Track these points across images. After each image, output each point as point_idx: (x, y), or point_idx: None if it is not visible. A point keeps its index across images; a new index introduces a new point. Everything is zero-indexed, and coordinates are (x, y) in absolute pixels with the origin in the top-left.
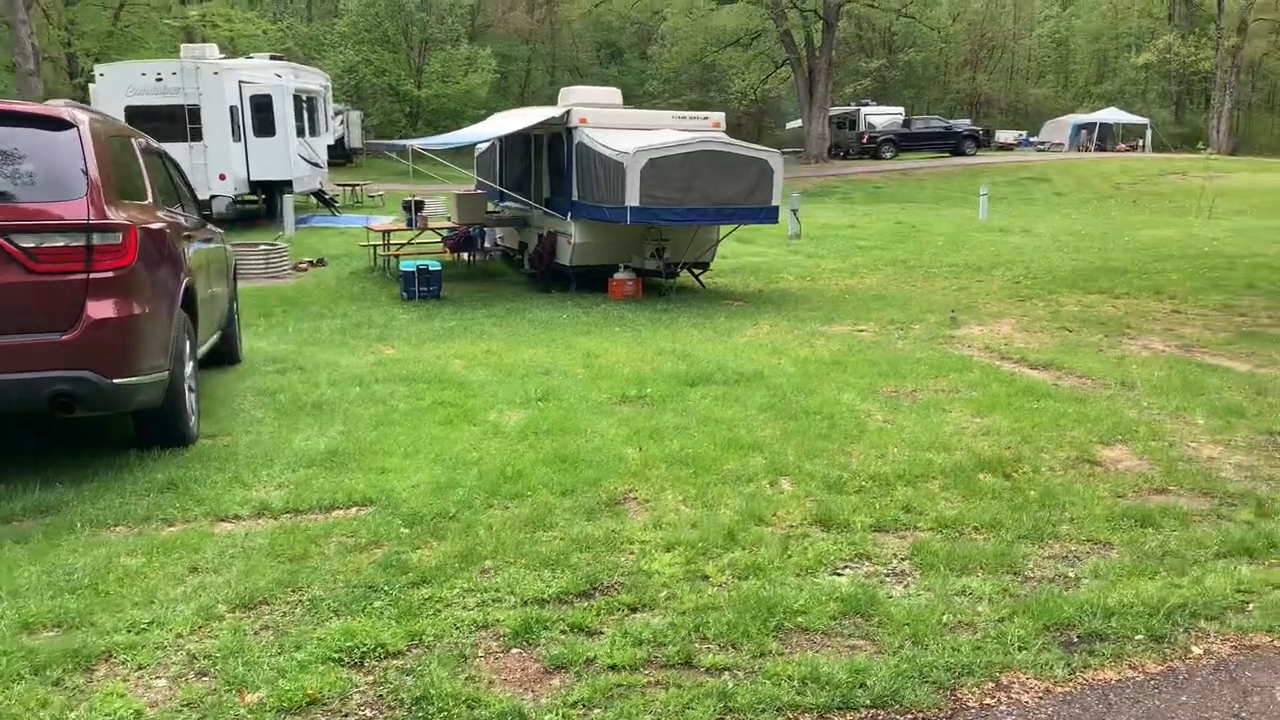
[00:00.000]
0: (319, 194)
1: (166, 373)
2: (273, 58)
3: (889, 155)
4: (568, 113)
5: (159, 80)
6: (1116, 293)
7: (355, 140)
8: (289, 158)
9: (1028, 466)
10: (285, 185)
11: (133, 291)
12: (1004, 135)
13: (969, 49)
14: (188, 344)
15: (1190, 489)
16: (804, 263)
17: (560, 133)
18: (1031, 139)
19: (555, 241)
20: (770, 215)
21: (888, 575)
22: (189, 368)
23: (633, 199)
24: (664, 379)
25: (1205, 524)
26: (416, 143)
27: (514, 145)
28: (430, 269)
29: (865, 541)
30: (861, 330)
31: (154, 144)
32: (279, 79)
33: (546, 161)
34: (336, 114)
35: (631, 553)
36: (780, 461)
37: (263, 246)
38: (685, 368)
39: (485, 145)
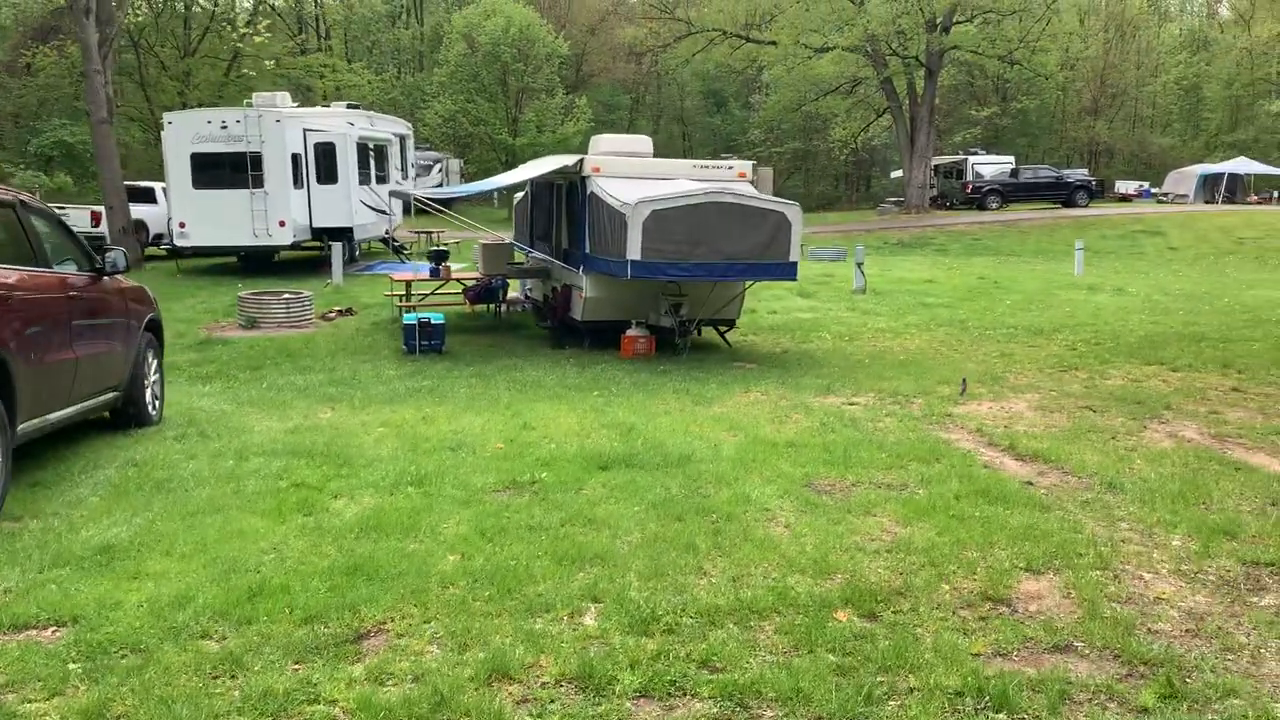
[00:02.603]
0: (386, 241)
1: None
2: (349, 106)
3: (994, 206)
4: (581, 161)
5: (224, 128)
6: (1178, 364)
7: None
8: (350, 205)
9: (908, 603)
10: (348, 232)
11: None
12: (1123, 186)
13: (1089, 96)
14: None
15: (1099, 647)
16: (853, 320)
17: (576, 182)
18: (1153, 190)
19: (569, 295)
20: (787, 271)
21: None
22: None
23: (634, 252)
24: (579, 460)
25: (1087, 706)
26: (419, 192)
27: (541, 194)
28: (433, 322)
29: (611, 714)
30: (854, 403)
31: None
32: (350, 127)
33: (565, 212)
34: (435, 163)
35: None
36: (610, 582)
37: (286, 295)
38: (616, 447)
39: (521, 194)
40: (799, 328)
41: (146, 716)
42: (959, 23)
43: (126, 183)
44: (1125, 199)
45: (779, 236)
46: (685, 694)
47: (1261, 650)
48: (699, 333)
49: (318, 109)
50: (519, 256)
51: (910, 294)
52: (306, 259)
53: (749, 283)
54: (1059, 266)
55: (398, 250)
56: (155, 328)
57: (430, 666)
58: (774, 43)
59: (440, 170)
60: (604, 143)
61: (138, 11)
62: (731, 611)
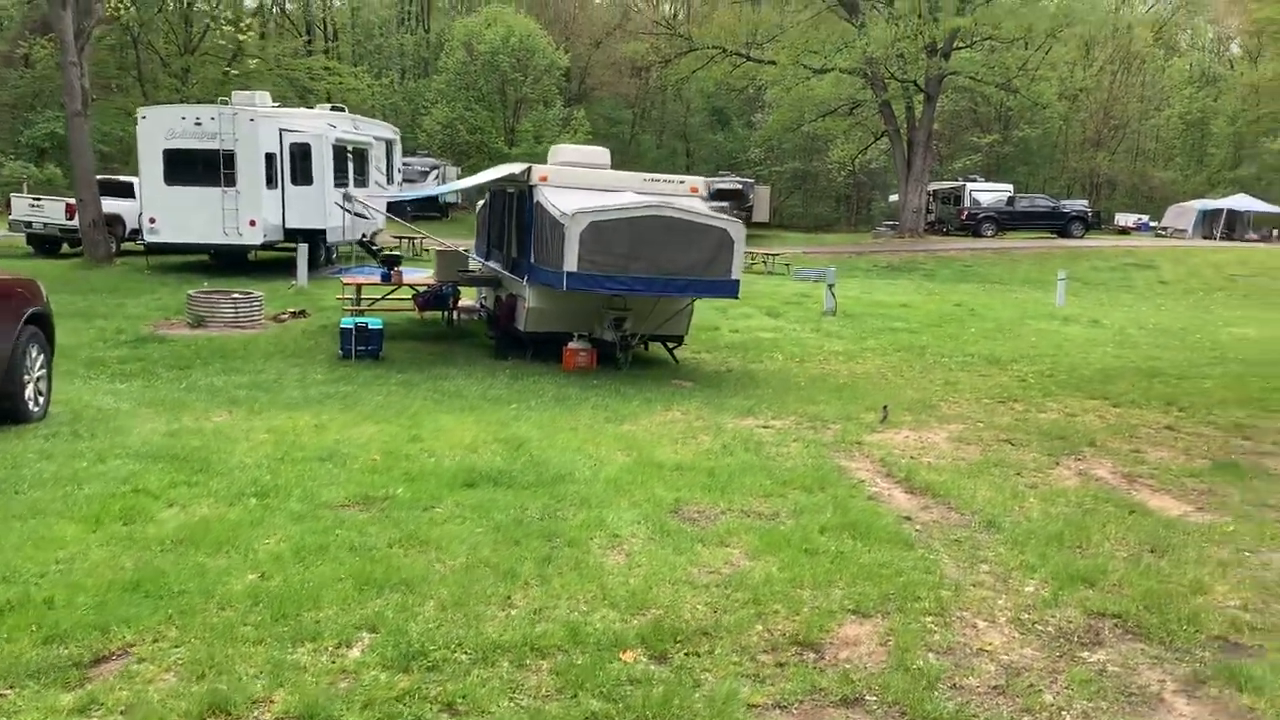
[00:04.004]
0: (365, 244)
1: None
2: (333, 108)
3: (989, 233)
4: (528, 169)
5: (198, 124)
6: (1121, 400)
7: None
8: (324, 207)
9: (709, 644)
10: (320, 234)
11: None
12: (1123, 219)
13: (1093, 128)
14: None
15: (889, 703)
16: (811, 341)
17: (525, 191)
18: (1152, 224)
19: (514, 305)
20: (729, 289)
21: None
22: None
23: (570, 263)
24: (447, 476)
25: None
26: (361, 192)
27: (496, 202)
28: (369, 327)
29: None
30: (769, 426)
31: None
32: (329, 128)
33: (515, 220)
34: (432, 169)
35: None
36: (400, 611)
37: (235, 295)
38: (496, 463)
39: (483, 201)
40: (754, 347)
41: None
42: (959, 48)
43: (106, 177)
44: (1124, 231)
45: (721, 253)
46: None
47: (1064, 713)
48: (646, 348)
49: (298, 110)
50: (474, 264)
51: (880, 317)
52: (282, 259)
53: (691, 299)
54: (1042, 296)
55: (375, 254)
56: (41, 321)
57: (150, 698)
58: (773, 62)
59: (437, 177)
60: (562, 153)
61: (125, 6)
62: (512, 648)
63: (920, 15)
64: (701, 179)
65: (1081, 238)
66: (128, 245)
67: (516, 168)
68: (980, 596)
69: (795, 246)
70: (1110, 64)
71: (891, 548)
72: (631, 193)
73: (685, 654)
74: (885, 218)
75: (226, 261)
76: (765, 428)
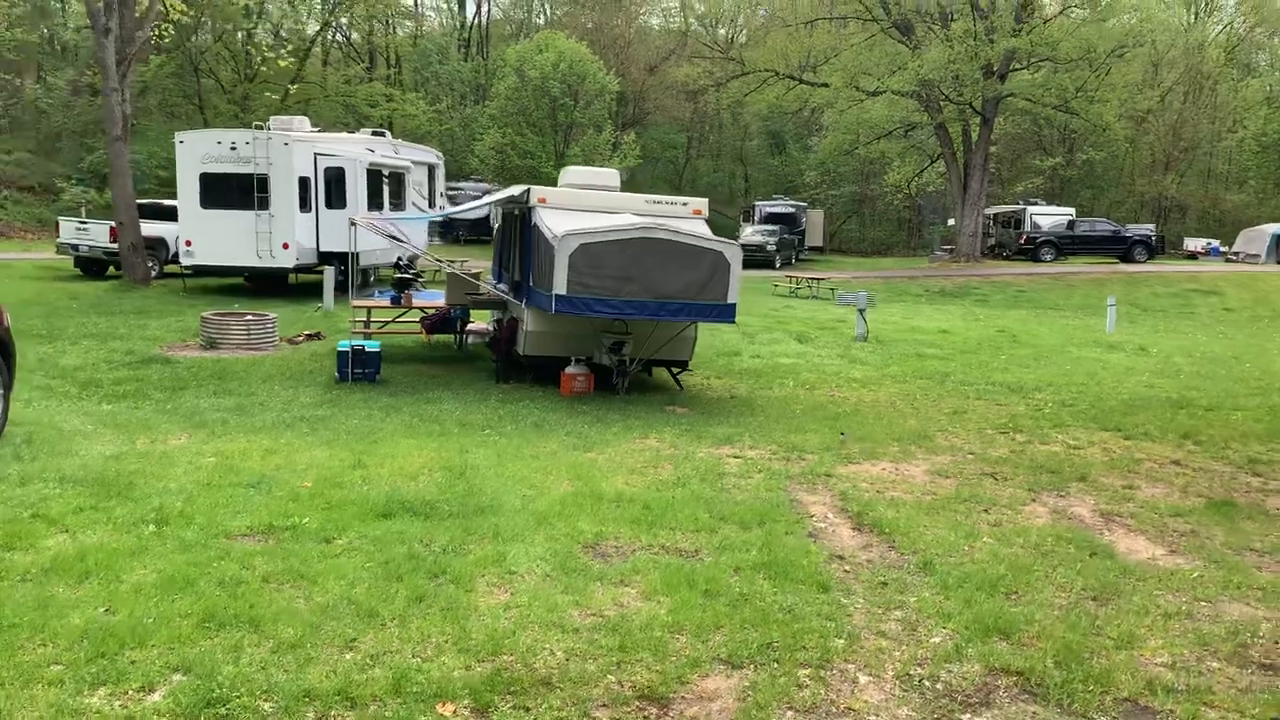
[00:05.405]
0: (401, 267)
1: None
2: (374, 133)
3: (1048, 258)
4: (528, 191)
5: (233, 149)
6: (1134, 432)
7: (498, 219)
8: (358, 230)
9: (544, 697)
10: (355, 257)
11: None
12: (1191, 243)
13: (1161, 150)
14: None
15: None
16: (830, 368)
17: (525, 212)
18: (1222, 249)
19: (515, 328)
20: (725, 314)
21: None
22: None
23: (560, 286)
24: (365, 506)
25: None
26: (361, 218)
27: (507, 225)
28: (367, 350)
29: None
30: (741, 456)
31: None
32: (367, 152)
33: (518, 242)
34: (485, 194)
35: None
36: (230, 652)
37: (249, 317)
38: (428, 492)
39: (499, 224)
40: (769, 373)
41: None
42: (1016, 69)
43: (150, 201)
44: (1192, 256)
45: (717, 276)
46: None
47: None
48: (649, 374)
49: (336, 134)
50: (486, 287)
51: (913, 343)
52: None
53: (687, 323)
54: (1094, 322)
55: (415, 278)
56: None
57: None
58: (826, 84)
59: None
60: (571, 174)
61: (166, 33)
62: (323, 697)
63: (976, 37)
64: (703, 201)
65: (1145, 263)
66: (171, 268)
67: (518, 189)
68: (877, 647)
69: (848, 271)
70: (1180, 84)
71: (804, 590)
72: (630, 215)
73: (512, 707)
74: (942, 242)
75: (265, 284)
76: (737, 457)
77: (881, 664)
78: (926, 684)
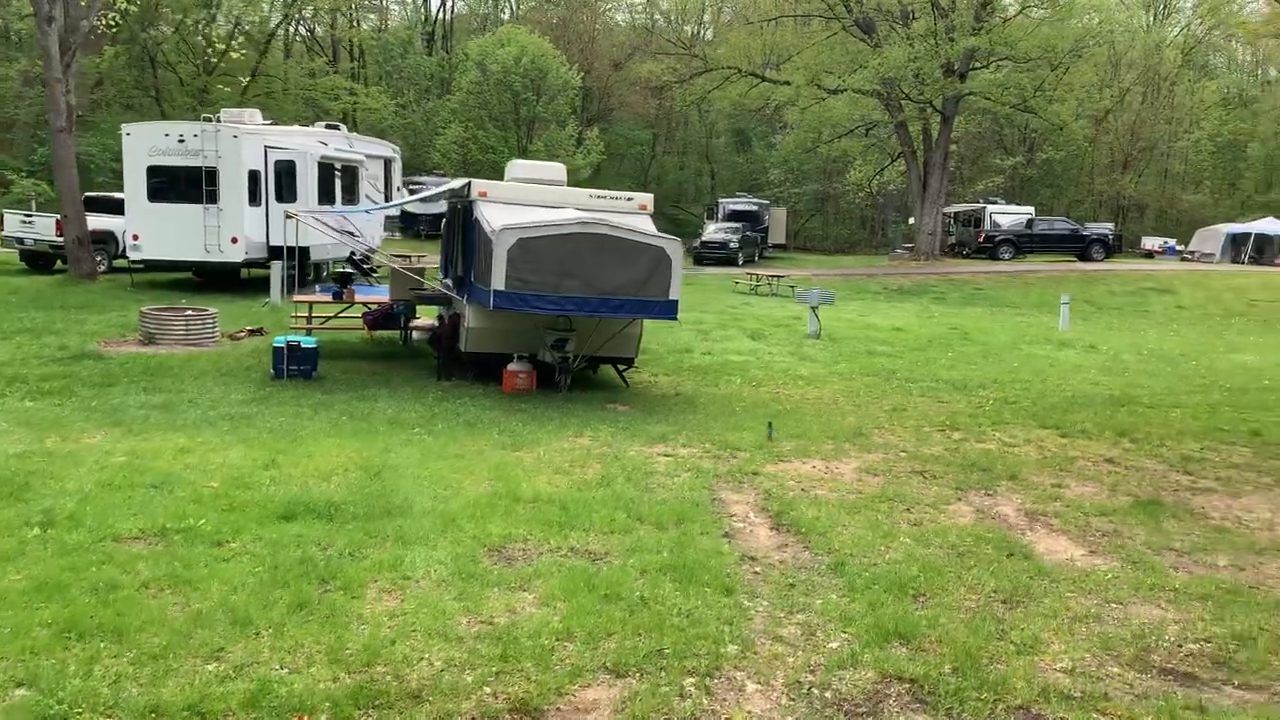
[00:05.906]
0: (355, 263)
1: None
2: (328, 126)
3: (1007, 256)
4: (468, 184)
5: (181, 141)
6: (1073, 430)
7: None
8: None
9: (408, 711)
10: (304, 252)
11: None
12: (1148, 242)
13: (1120, 150)
14: None
15: None
16: (779, 365)
17: (467, 206)
18: (1178, 248)
19: (457, 324)
20: (667, 310)
21: None
22: None
23: (498, 282)
24: (266, 507)
25: None
26: (301, 211)
27: (452, 219)
28: (303, 346)
29: None
30: (671, 455)
31: None
32: (319, 145)
33: (461, 237)
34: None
35: None
36: (86, 664)
37: (189, 312)
38: (337, 493)
39: (446, 218)
40: (718, 370)
41: None
42: (977, 68)
43: (98, 194)
44: (1149, 255)
45: (658, 273)
46: None
47: None
48: (594, 371)
49: (287, 127)
50: (433, 282)
51: (866, 341)
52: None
53: (629, 319)
54: (1048, 320)
55: (366, 273)
56: None
57: None
58: (788, 82)
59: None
60: (517, 168)
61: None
62: (174, 712)
63: (936, 36)
64: (649, 196)
65: (1102, 261)
66: (120, 263)
67: (458, 182)
68: (771, 653)
69: (809, 269)
70: (1138, 85)
71: (708, 593)
72: (573, 210)
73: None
74: (903, 240)
75: (215, 279)
76: (668, 456)
77: (773, 671)
78: (815, 692)
